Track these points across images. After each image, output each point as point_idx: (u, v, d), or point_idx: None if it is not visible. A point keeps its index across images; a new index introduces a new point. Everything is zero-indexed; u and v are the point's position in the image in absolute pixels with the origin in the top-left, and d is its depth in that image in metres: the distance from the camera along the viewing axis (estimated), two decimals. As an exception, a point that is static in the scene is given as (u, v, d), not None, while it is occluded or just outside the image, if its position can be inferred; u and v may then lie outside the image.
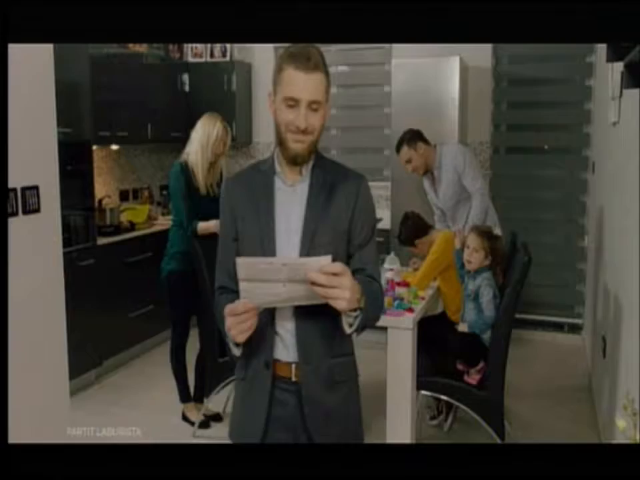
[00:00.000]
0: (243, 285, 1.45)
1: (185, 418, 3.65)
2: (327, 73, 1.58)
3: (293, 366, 1.60)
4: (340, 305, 1.43)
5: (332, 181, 1.66)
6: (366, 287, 1.57)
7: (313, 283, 1.41)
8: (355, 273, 1.59)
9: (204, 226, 3.34)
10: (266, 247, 1.60)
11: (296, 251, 1.59)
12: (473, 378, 3.06)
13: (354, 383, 1.73)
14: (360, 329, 1.56)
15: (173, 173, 3.42)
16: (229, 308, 1.49)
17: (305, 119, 1.54)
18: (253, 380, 1.66)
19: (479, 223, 3.62)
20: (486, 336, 3.12)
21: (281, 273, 1.43)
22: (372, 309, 1.59)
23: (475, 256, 3.14)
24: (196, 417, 3.55)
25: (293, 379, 1.61)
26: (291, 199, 1.64)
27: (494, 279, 3.17)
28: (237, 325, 1.48)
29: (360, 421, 1.75)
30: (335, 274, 1.41)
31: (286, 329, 1.60)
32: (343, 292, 1.42)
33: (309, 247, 1.59)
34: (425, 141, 3.88)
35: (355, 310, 1.50)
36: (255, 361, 1.64)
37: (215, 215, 3.24)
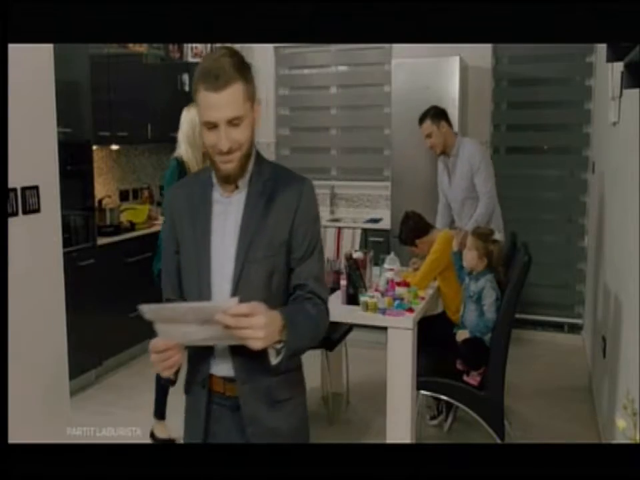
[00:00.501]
0: (158, 327, 1.40)
1: (153, 436, 3.50)
2: (245, 79, 1.46)
3: (230, 381, 1.54)
4: (254, 344, 1.34)
5: (271, 188, 1.55)
6: (295, 313, 1.48)
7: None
8: (296, 289, 1.54)
9: None
10: (201, 263, 1.54)
11: (231, 266, 1.51)
12: (473, 379, 3.06)
13: (300, 400, 1.64)
14: (288, 359, 1.45)
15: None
16: (151, 344, 1.43)
17: (227, 139, 1.45)
18: (192, 394, 1.61)
19: (483, 224, 3.63)
20: (488, 337, 3.11)
21: (189, 316, 1.38)
22: (303, 335, 1.49)
23: (468, 255, 3.14)
24: (166, 435, 3.48)
25: (227, 393, 1.55)
26: (227, 211, 1.55)
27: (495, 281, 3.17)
28: (160, 363, 1.43)
29: (307, 440, 1.67)
30: (244, 315, 1.32)
31: (223, 345, 1.52)
32: (254, 332, 1.33)
33: (243, 262, 1.50)
34: (448, 122, 3.95)
35: (278, 342, 1.41)
36: (193, 376, 1.60)
37: None
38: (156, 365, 1.44)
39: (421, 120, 3.97)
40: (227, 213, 1.55)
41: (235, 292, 1.49)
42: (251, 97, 1.49)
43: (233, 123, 1.44)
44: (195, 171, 3.15)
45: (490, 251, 3.12)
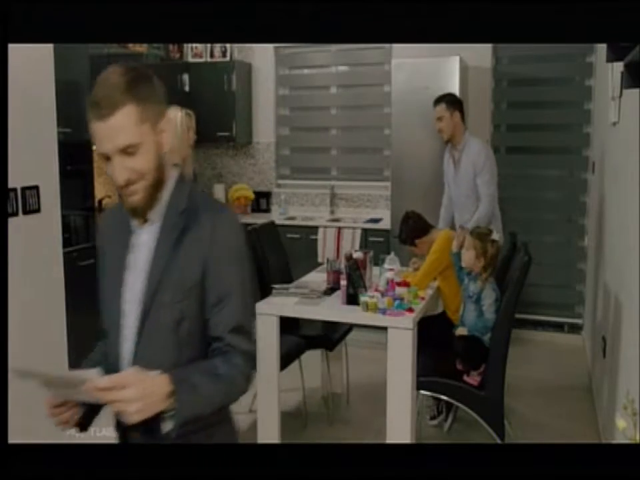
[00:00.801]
0: (41, 385, 1.29)
1: None
2: (137, 100, 1.28)
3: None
4: (127, 419, 1.18)
5: (185, 221, 1.36)
6: (194, 374, 1.29)
7: None
8: (213, 340, 1.35)
9: None
10: (113, 299, 1.42)
11: (139, 308, 1.36)
12: (473, 379, 3.06)
13: (223, 427, 1.44)
14: (182, 426, 1.25)
15: None
16: (45, 399, 1.33)
17: (123, 171, 1.28)
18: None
19: (483, 225, 3.62)
20: (487, 337, 3.12)
21: (60, 382, 1.29)
22: (203, 398, 1.29)
23: (466, 254, 3.16)
24: None
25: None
26: (140, 244, 1.39)
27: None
28: (53, 418, 1.35)
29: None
30: (108, 388, 1.17)
31: None
32: (125, 405, 1.16)
33: (149, 305, 1.35)
34: (462, 114, 3.99)
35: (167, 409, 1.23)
36: None
37: None
38: (50, 417, 1.34)
39: (437, 101, 4.01)
40: (140, 246, 1.39)
41: (139, 337, 1.36)
42: (150, 117, 1.31)
43: (126, 151, 1.28)
44: None
45: (487, 251, 3.12)
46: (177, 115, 3.16)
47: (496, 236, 3.16)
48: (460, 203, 4.06)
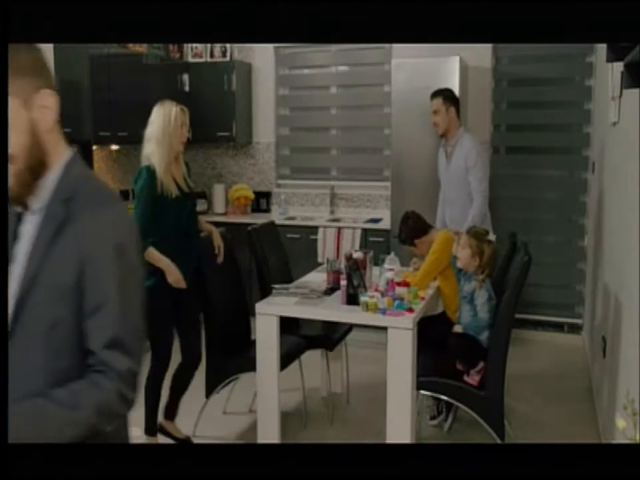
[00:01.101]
0: None
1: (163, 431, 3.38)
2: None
3: None
4: None
5: (67, 212, 1.18)
6: (37, 405, 1.13)
7: None
8: (89, 355, 1.19)
9: (154, 257, 3.00)
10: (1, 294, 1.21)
11: (13, 306, 1.20)
12: (472, 379, 3.07)
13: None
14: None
15: (140, 178, 3.10)
16: None
17: None
18: None
19: (478, 224, 3.64)
20: (483, 337, 3.12)
21: None
22: (45, 428, 1.14)
23: (461, 253, 3.17)
24: (179, 433, 3.40)
25: None
26: (23, 234, 1.23)
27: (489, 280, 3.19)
28: None
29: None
30: None
31: None
32: None
33: (23, 304, 1.18)
34: (458, 110, 4.06)
35: None
36: None
37: (185, 213, 3.13)
38: None
39: (434, 95, 4.07)
40: (23, 237, 1.22)
41: (12, 338, 1.19)
42: (19, 92, 1.16)
43: None
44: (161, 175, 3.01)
45: (483, 251, 3.13)
46: (171, 110, 3.09)
47: (492, 237, 3.17)
48: (450, 199, 4.11)
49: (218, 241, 3.37)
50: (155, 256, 3.00)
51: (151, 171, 3.04)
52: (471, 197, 3.94)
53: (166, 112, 3.08)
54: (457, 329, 3.23)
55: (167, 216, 3.08)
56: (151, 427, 3.30)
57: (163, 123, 3.05)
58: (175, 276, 3.03)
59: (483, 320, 3.10)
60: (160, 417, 3.34)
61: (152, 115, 3.11)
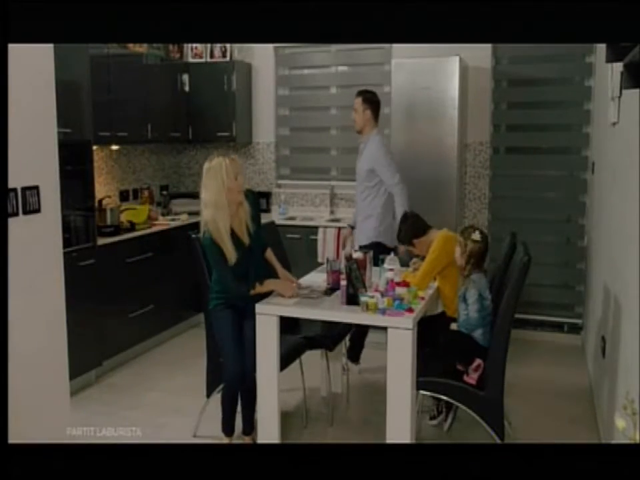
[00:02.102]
0: None
1: None
2: None
3: None
4: None
5: None
6: None
7: None
8: None
9: (260, 290, 3.15)
10: None
11: None
12: (471, 377, 3.07)
13: None
14: None
15: (206, 248, 3.11)
16: None
17: None
18: None
19: (408, 210, 3.90)
20: (476, 334, 3.13)
21: None
22: None
23: (456, 252, 3.22)
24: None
25: None
26: None
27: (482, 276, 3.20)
28: None
29: None
30: None
31: None
32: None
33: None
34: (374, 113, 4.20)
35: None
36: None
37: (251, 265, 3.17)
38: None
39: (357, 94, 4.24)
40: None
41: None
42: None
43: None
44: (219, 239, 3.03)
45: (467, 246, 3.16)
46: (221, 168, 3.03)
47: (477, 236, 3.18)
48: (358, 194, 4.32)
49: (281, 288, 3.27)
50: (260, 289, 3.15)
51: (210, 241, 3.06)
52: (369, 195, 4.18)
53: (217, 171, 3.01)
54: (453, 327, 3.27)
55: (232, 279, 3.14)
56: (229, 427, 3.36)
57: (217, 186, 3.00)
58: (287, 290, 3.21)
59: (474, 319, 3.13)
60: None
61: (204, 176, 3.07)
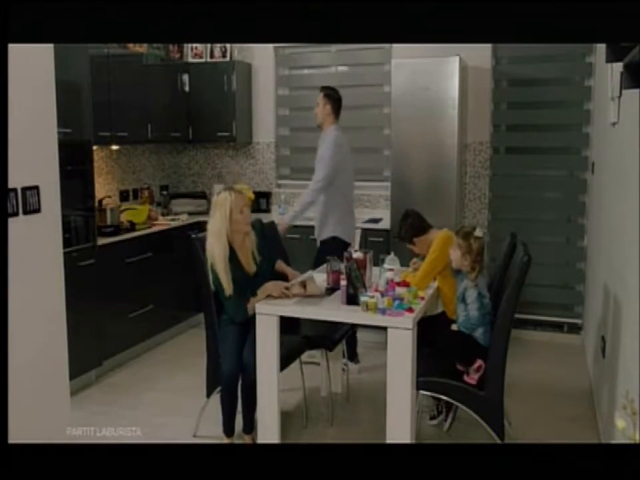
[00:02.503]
0: None
1: None
2: None
3: None
4: None
5: None
6: None
7: None
8: None
9: (255, 302, 3.20)
10: None
11: None
12: (471, 378, 3.07)
13: None
14: None
15: (210, 275, 3.23)
16: None
17: None
18: None
19: (297, 215, 4.23)
20: (477, 334, 3.13)
21: None
22: None
23: (453, 255, 3.21)
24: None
25: None
26: None
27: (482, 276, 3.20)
28: None
29: None
30: None
31: None
32: None
33: None
34: (335, 110, 4.28)
35: None
36: None
37: (258, 286, 3.24)
38: None
39: (321, 89, 4.37)
40: None
41: None
42: None
43: None
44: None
45: (471, 249, 3.16)
46: (226, 199, 3.18)
47: (479, 232, 3.19)
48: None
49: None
50: (253, 301, 3.21)
51: (212, 270, 3.20)
52: (332, 194, 4.22)
53: (222, 205, 3.15)
54: (453, 327, 3.26)
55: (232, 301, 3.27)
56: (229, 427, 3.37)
57: (220, 219, 3.16)
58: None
59: (474, 318, 3.13)
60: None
61: (211, 207, 3.25)
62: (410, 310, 2.97)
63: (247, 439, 3.35)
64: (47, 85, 2.62)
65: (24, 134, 2.46)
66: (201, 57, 5.72)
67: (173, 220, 5.19)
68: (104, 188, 5.03)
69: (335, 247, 3.93)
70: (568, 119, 5.13)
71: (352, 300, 3.07)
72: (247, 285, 3.28)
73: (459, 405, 3.15)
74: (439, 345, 3.28)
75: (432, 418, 3.62)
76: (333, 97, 4.29)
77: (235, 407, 3.33)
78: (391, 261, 3.41)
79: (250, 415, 3.34)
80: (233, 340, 3.29)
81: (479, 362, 3.06)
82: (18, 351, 2.40)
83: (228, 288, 3.21)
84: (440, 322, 3.50)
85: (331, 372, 3.84)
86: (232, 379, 3.22)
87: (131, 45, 4.95)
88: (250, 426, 3.34)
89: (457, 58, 4.52)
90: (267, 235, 3.54)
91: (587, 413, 3.71)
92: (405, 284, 3.26)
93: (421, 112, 4.65)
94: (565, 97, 5.14)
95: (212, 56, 5.69)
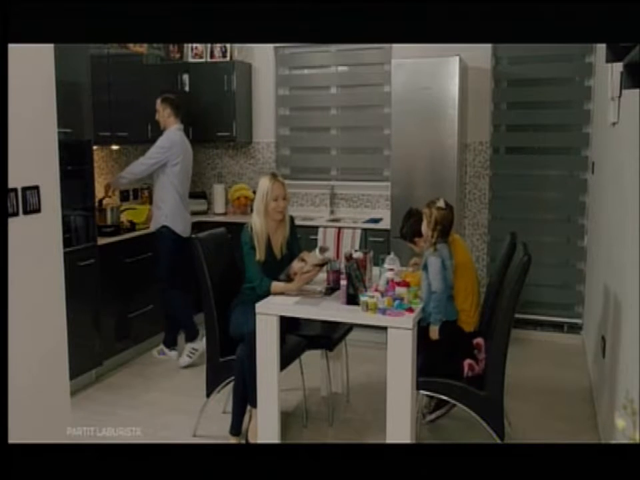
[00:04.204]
0: None
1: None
2: None
3: None
4: None
5: None
6: None
7: None
8: None
9: (277, 288, 3.33)
10: None
11: None
12: (481, 361, 3.08)
13: None
14: None
15: (242, 237, 3.44)
16: None
17: None
18: None
19: (120, 178, 4.69)
20: (448, 309, 3.11)
21: None
22: None
23: (423, 229, 3.22)
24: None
25: None
26: None
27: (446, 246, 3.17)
28: None
29: None
30: None
31: None
32: None
33: None
34: (174, 110, 4.63)
35: None
36: None
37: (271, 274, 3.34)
38: None
39: (160, 97, 4.67)
40: None
41: None
42: None
43: None
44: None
45: (431, 215, 3.14)
46: (265, 184, 3.42)
47: (442, 203, 3.18)
48: None
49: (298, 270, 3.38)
50: (278, 287, 3.34)
51: (246, 231, 3.43)
52: (163, 186, 4.58)
53: (262, 188, 3.41)
54: (433, 332, 3.13)
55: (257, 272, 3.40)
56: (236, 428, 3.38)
57: (260, 197, 3.42)
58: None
59: (437, 288, 3.07)
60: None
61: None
62: (410, 310, 2.97)
63: (253, 412, 3.33)
64: (47, 85, 2.62)
65: (24, 134, 2.46)
66: (201, 57, 5.72)
67: (173, 220, 5.17)
68: (104, 188, 5.03)
69: (166, 237, 4.48)
70: (568, 119, 5.13)
71: (352, 300, 3.07)
72: (272, 267, 3.39)
73: (459, 404, 3.15)
74: (438, 345, 3.27)
75: (429, 413, 3.61)
76: (169, 101, 4.63)
77: (246, 403, 3.31)
78: (391, 261, 3.41)
79: (253, 390, 3.26)
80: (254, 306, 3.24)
81: (477, 340, 3.07)
82: (18, 351, 2.40)
83: (260, 252, 3.37)
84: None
85: (331, 372, 3.84)
86: (254, 337, 3.16)
87: (131, 45, 4.95)
88: (254, 401, 3.27)
89: (457, 58, 4.52)
90: (295, 234, 3.66)
91: (587, 412, 3.71)
92: (405, 284, 3.26)
93: (421, 112, 4.65)
94: (565, 97, 5.14)
95: (212, 56, 5.69)
